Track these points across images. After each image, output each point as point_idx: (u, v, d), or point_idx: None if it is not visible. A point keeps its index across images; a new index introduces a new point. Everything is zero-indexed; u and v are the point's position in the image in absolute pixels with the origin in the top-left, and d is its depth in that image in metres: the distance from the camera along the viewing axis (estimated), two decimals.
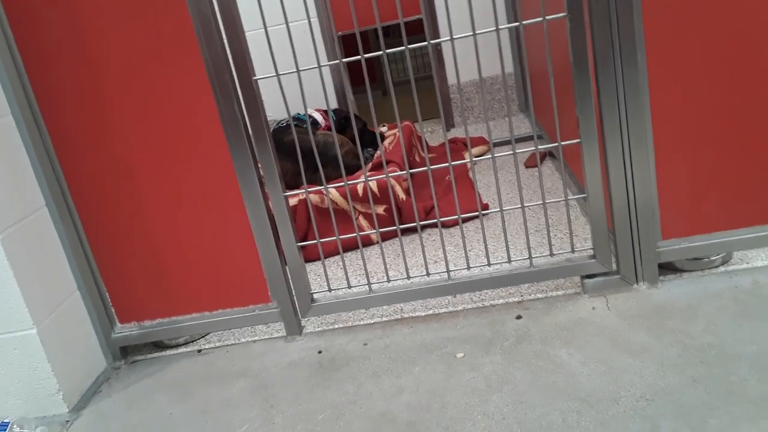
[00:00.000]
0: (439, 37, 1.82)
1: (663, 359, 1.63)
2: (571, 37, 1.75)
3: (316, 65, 1.89)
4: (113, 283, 2.12)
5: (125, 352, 2.22)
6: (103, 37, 1.87)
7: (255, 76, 1.88)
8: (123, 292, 2.14)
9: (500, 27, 1.82)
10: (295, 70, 1.90)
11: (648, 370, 1.60)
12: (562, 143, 1.87)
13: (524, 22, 1.82)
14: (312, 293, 2.12)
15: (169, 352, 2.21)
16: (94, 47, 1.88)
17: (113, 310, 2.16)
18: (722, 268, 1.95)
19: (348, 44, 5.61)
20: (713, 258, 1.95)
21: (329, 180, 3.09)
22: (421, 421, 1.61)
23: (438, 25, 4.20)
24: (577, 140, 1.84)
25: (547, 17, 1.77)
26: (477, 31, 1.82)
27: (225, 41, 1.84)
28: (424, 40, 1.86)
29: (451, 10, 1.69)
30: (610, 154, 1.84)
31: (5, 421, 1.83)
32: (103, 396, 2.04)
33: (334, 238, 2.06)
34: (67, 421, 1.94)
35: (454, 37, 1.82)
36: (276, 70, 1.90)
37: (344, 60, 1.92)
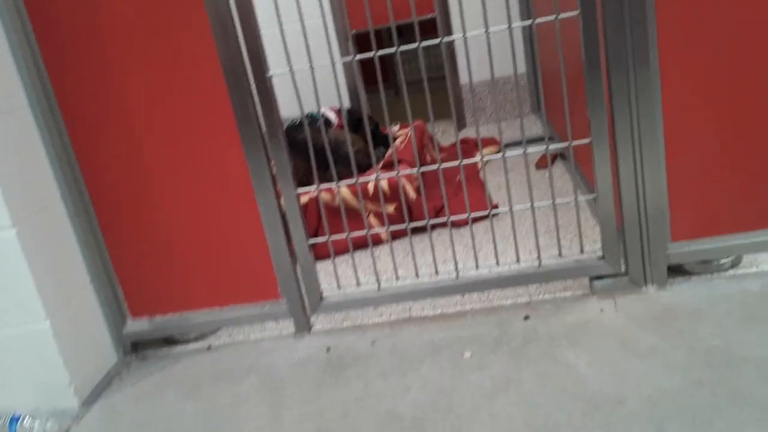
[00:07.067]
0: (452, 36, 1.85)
1: (670, 362, 1.62)
2: (583, 35, 1.75)
3: (330, 61, 1.90)
4: (126, 277, 2.15)
5: (136, 347, 2.24)
6: (120, 33, 1.89)
7: (269, 72, 1.89)
8: (135, 286, 2.16)
9: (513, 25, 1.83)
10: (309, 65, 1.92)
11: (654, 372, 1.60)
12: (573, 143, 1.87)
13: (537, 20, 1.83)
14: (321, 291, 2.13)
15: (179, 348, 2.23)
16: (111, 43, 1.90)
17: (125, 305, 2.18)
18: (731, 272, 1.94)
19: (362, 45, 5.64)
20: (723, 261, 1.94)
21: (340, 178, 3.09)
22: (428, 419, 1.62)
23: (451, 23, 4.20)
24: (588, 140, 1.84)
25: (560, 15, 1.77)
26: (490, 29, 1.82)
27: (240, 38, 1.85)
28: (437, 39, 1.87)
29: (464, 9, 1.71)
30: (621, 154, 1.84)
31: (17, 413, 1.86)
32: (113, 390, 2.06)
33: (345, 235, 2.07)
34: (78, 415, 1.96)
35: (467, 34, 1.83)
36: (290, 66, 1.91)
37: (358, 57, 1.93)
